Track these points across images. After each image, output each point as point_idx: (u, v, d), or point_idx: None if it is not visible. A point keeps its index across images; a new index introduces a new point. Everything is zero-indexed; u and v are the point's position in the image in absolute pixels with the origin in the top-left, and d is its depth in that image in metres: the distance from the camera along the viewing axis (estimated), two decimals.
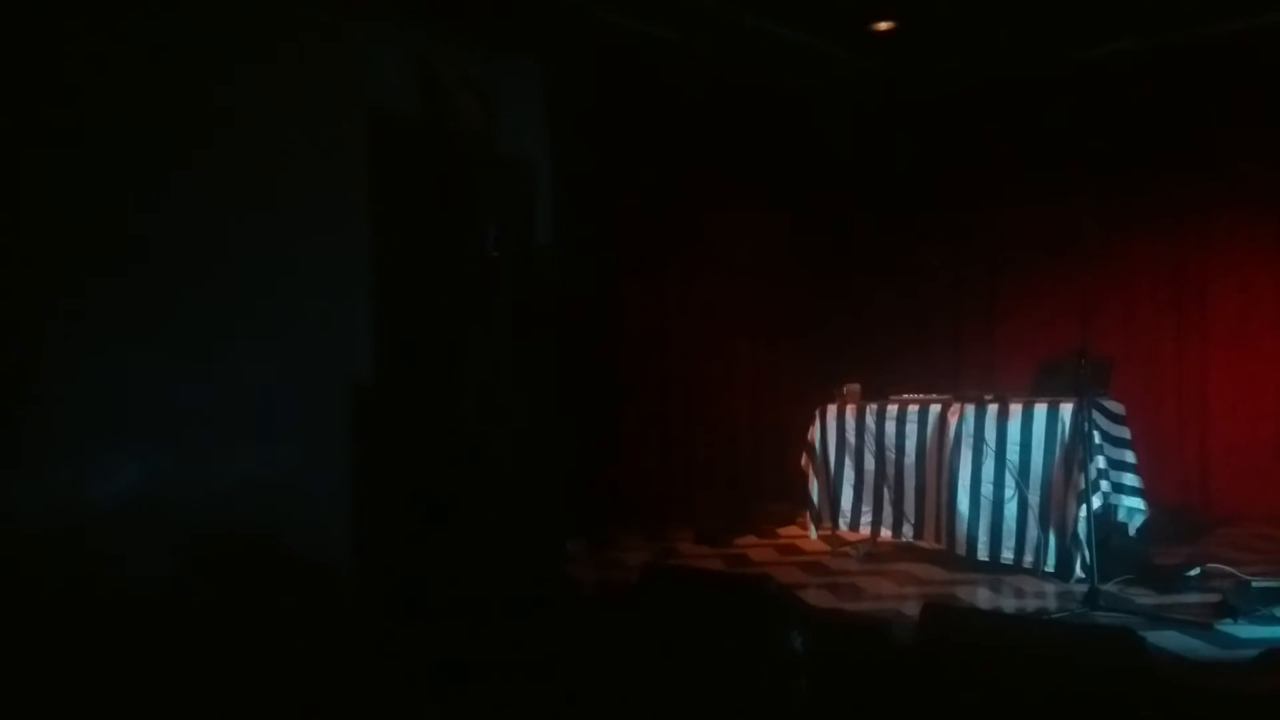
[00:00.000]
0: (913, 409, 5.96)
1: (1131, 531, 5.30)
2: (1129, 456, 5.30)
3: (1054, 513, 5.25)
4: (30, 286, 4.34)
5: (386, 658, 4.27)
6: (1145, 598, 4.75)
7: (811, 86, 7.94)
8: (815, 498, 6.44)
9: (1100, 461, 5.10)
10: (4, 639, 3.93)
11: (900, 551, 6.04)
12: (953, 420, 5.69)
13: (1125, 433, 5.36)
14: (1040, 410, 5.37)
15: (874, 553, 6.08)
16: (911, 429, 5.93)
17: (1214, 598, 4.52)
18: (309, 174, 5.31)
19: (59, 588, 4.15)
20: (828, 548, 6.28)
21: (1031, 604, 4.90)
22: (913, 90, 7.92)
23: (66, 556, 4.21)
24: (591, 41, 6.55)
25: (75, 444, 4.41)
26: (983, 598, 5.05)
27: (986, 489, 5.50)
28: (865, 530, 6.19)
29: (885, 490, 6.08)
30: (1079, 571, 5.04)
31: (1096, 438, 5.09)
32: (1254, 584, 4.54)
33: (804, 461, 6.51)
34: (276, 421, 5.10)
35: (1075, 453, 5.11)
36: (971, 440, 5.58)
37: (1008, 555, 5.40)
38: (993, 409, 5.55)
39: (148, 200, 4.70)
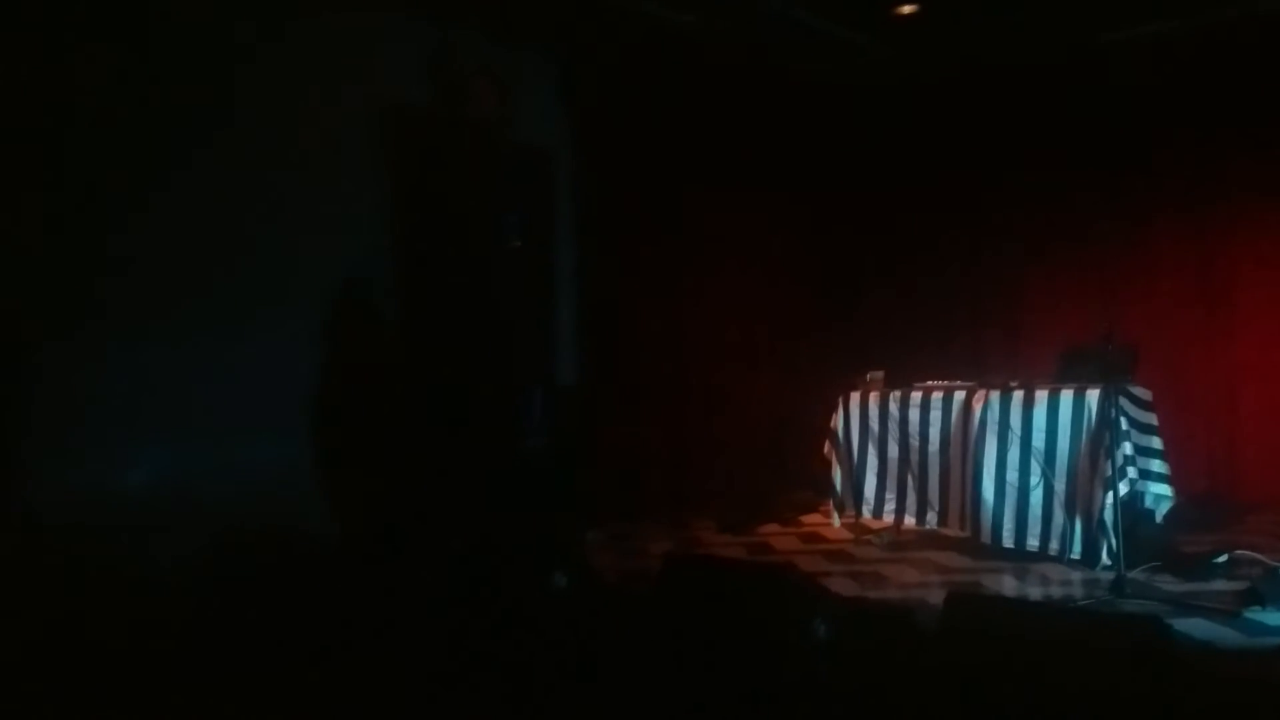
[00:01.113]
0: (937, 396, 5.93)
1: (1158, 518, 5.27)
2: (1156, 443, 5.26)
3: (1080, 499, 5.22)
4: (49, 285, 4.38)
5: (403, 646, 4.29)
6: (1172, 585, 4.72)
7: (832, 74, 7.89)
8: (838, 485, 6.42)
9: (1127, 448, 5.06)
10: (28, 626, 3.98)
11: (924, 539, 6.01)
12: (977, 407, 5.66)
13: (1152, 419, 5.32)
14: (1066, 397, 5.33)
15: (897, 541, 6.06)
16: (935, 416, 5.90)
17: (1241, 585, 4.48)
18: (325, 165, 5.33)
19: (79, 578, 4.19)
20: (851, 536, 6.27)
21: (1057, 592, 4.87)
22: (934, 77, 7.86)
23: (87, 548, 4.25)
24: (608, 26, 6.53)
25: (95, 439, 4.45)
26: (1008, 585, 5.03)
27: (1012, 476, 5.47)
28: (889, 518, 6.17)
29: (909, 478, 6.06)
30: (1105, 559, 5.01)
31: (1123, 424, 5.05)
32: None
33: (827, 449, 6.50)
34: (296, 413, 5.13)
35: (1102, 439, 5.07)
36: (996, 427, 5.55)
37: (1033, 543, 5.37)
38: (1018, 395, 5.52)
39: (165, 193, 4.73)
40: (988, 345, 7.86)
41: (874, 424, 6.23)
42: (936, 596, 4.13)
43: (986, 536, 5.54)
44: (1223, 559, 5.00)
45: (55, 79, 4.42)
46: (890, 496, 6.16)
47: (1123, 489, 4.93)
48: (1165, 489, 5.22)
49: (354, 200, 5.51)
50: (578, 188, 6.79)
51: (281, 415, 5.09)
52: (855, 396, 6.36)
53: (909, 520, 6.09)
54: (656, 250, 7.24)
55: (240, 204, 5.00)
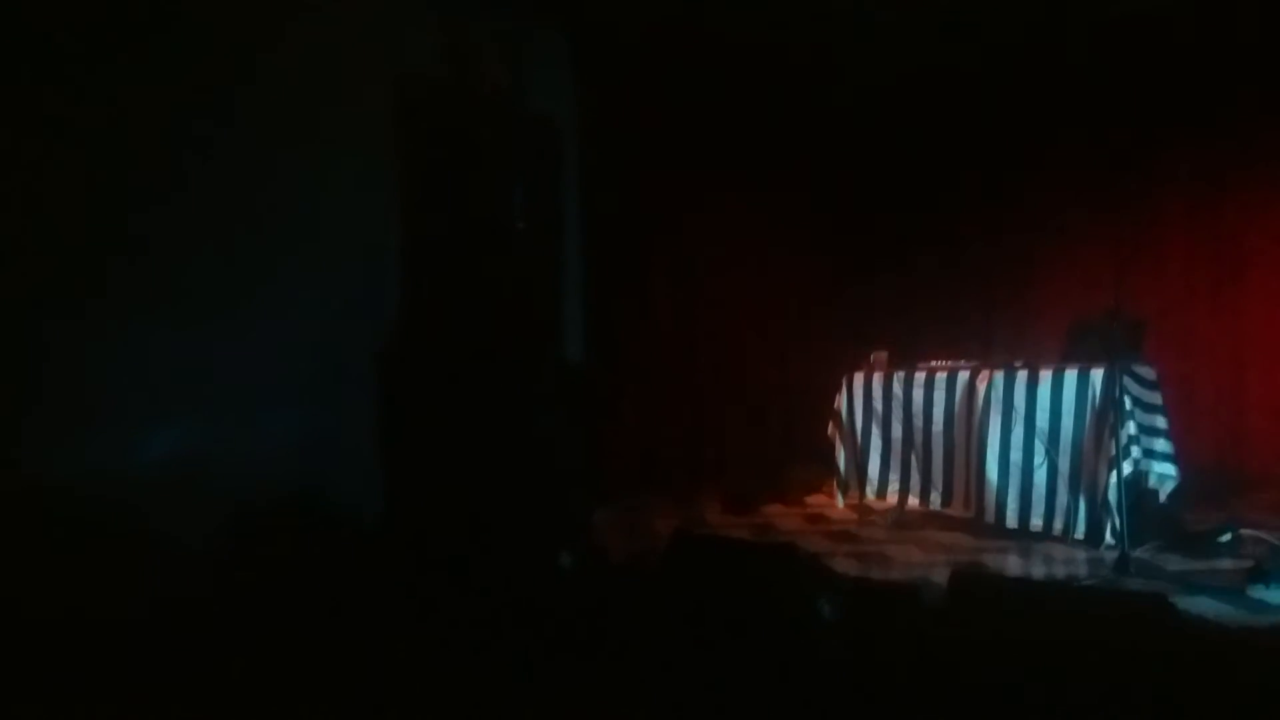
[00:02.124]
0: (941, 376, 5.92)
1: (1163, 497, 5.27)
2: (1160, 422, 5.25)
3: (1084, 479, 5.22)
4: (66, 258, 4.38)
5: (418, 620, 4.33)
6: (1176, 563, 4.72)
7: (839, 52, 7.84)
8: (843, 466, 6.43)
9: (1131, 427, 5.05)
10: (51, 599, 4.00)
11: (928, 519, 6.02)
12: (982, 387, 5.66)
13: (1157, 398, 5.31)
14: (1070, 376, 5.32)
15: (902, 520, 6.07)
16: (939, 396, 5.90)
17: (1246, 563, 4.47)
18: (336, 138, 5.32)
19: (99, 555, 4.22)
20: (855, 516, 6.28)
21: (1061, 571, 4.88)
22: (941, 54, 7.81)
23: (106, 526, 4.27)
24: (619, 2, 6.49)
25: (113, 417, 4.46)
26: (1012, 565, 5.04)
27: (1016, 455, 5.47)
28: (893, 498, 6.18)
29: (913, 458, 6.06)
30: (1109, 538, 5.01)
31: (1127, 403, 5.04)
32: None
33: (831, 430, 6.50)
34: (310, 390, 5.14)
35: (1106, 418, 5.07)
36: (1001, 406, 5.55)
37: (1037, 522, 5.38)
38: (1022, 375, 5.51)
39: (178, 168, 4.73)
40: (997, 323, 7.86)
41: (878, 404, 6.23)
42: (941, 576, 4.13)
43: (990, 516, 5.55)
44: (1227, 537, 5.00)
45: (67, 59, 4.41)
46: (894, 476, 6.17)
47: (1127, 468, 4.92)
48: (1169, 468, 5.21)
49: (365, 175, 5.49)
50: (587, 164, 6.76)
51: (296, 391, 5.10)
52: (859, 377, 6.36)
53: (913, 500, 6.10)
54: (665, 226, 7.22)
55: (252, 179, 4.99)
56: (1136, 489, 5.10)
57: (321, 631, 4.17)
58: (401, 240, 5.69)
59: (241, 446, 4.80)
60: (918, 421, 6.01)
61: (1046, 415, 5.37)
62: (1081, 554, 5.07)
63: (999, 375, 5.61)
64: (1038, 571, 4.91)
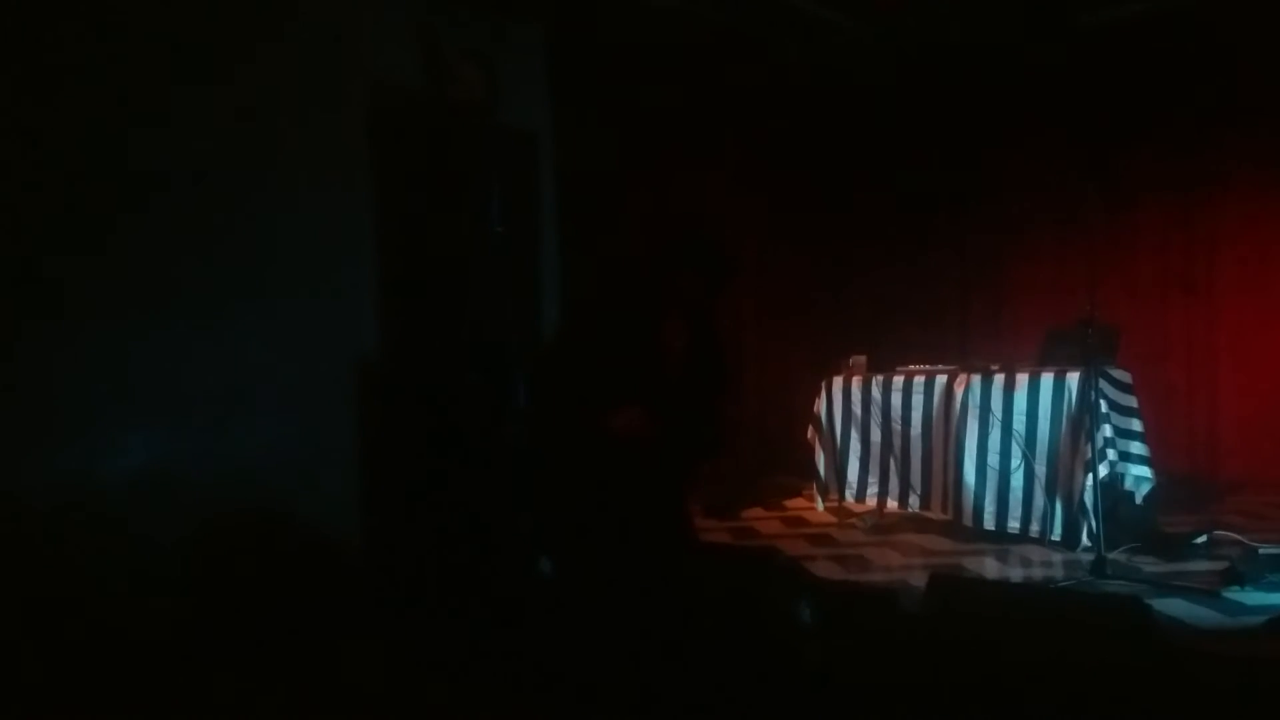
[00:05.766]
0: (918, 380, 5.95)
1: (1138, 500, 5.30)
2: (1136, 425, 5.29)
3: (1060, 482, 5.25)
4: (34, 267, 4.34)
5: (395, 631, 4.30)
6: (1152, 566, 4.76)
7: (816, 56, 7.88)
8: (821, 470, 6.44)
9: (1107, 430, 5.09)
10: (14, 614, 3.95)
11: (907, 522, 6.04)
12: (959, 391, 5.68)
13: (1132, 401, 5.35)
14: (1046, 380, 5.35)
15: (880, 524, 6.09)
16: (917, 400, 5.93)
17: (1221, 565, 4.51)
18: (310, 148, 5.28)
19: (67, 566, 4.17)
20: (834, 519, 6.29)
21: (1038, 573, 4.90)
22: (916, 60, 7.86)
23: (75, 535, 4.22)
24: (595, 10, 6.49)
25: (83, 423, 4.41)
26: (989, 567, 5.06)
27: (993, 459, 5.50)
28: (872, 501, 6.20)
29: (891, 461, 6.08)
30: (1086, 540, 5.05)
31: (1103, 406, 5.07)
32: (1261, 551, 4.55)
33: (810, 434, 6.52)
34: (283, 399, 5.10)
35: (1082, 422, 5.10)
36: (978, 411, 5.57)
37: (1014, 525, 5.41)
38: (999, 379, 5.54)
39: (148, 178, 4.68)
40: (973, 328, 7.92)
41: (856, 408, 6.25)
42: (919, 579, 4.15)
43: (968, 519, 5.58)
44: (1202, 539, 5.04)
45: (36, 66, 4.36)
46: (873, 480, 6.19)
47: (1103, 471, 4.96)
48: (1145, 471, 5.25)
49: (340, 183, 5.46)
50: (562, 172, 6.75)
51: (271, 401, 5.06)
52: (838, 381, 6.38)
53: (891, 504, 6.12)
54: (640, 233, 7.20)
55: (227, 187, 4.95)
56: (1113, 492, 5.14)
57: (291, 649, 4.14)
58: (378, 248, 5.66)
59: (214, 458, 4.75)
60: (896, 425, 6.03)
61: (1023, 419, 5.40)
62: (1058, 556, 5.11)
63: (976, 379, 5.64)
64: (1015, 574, 4.94)
